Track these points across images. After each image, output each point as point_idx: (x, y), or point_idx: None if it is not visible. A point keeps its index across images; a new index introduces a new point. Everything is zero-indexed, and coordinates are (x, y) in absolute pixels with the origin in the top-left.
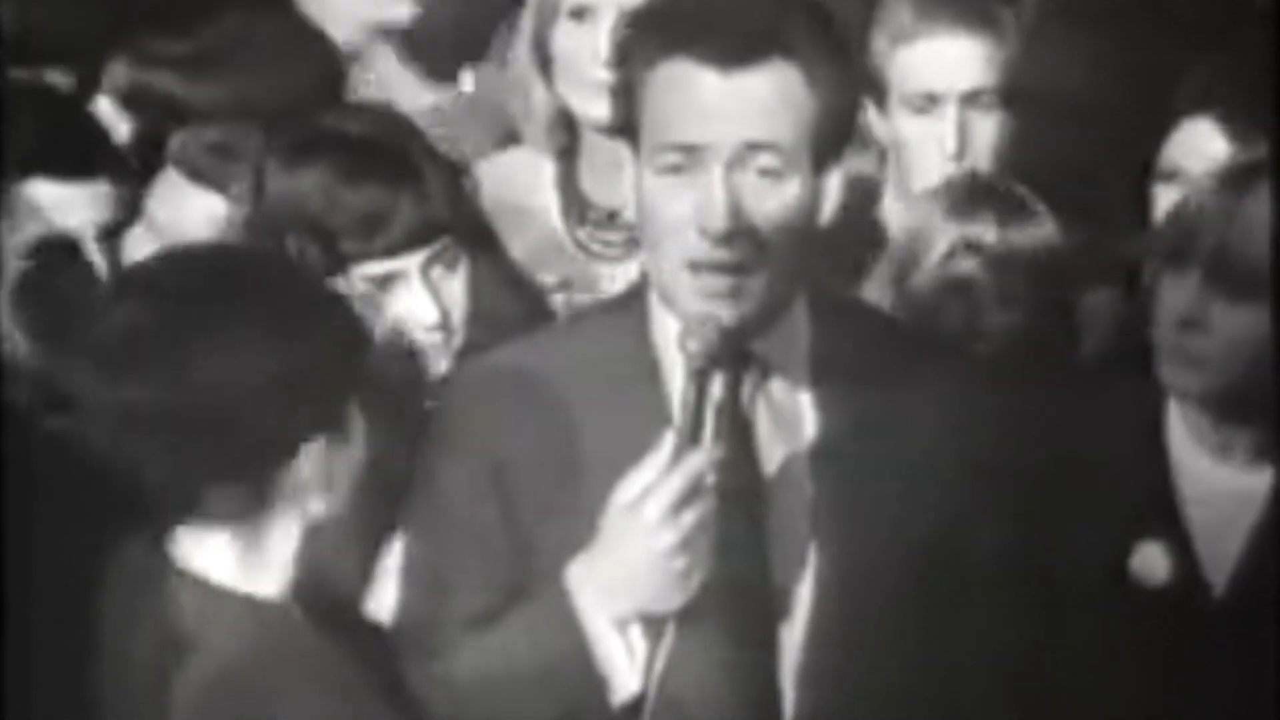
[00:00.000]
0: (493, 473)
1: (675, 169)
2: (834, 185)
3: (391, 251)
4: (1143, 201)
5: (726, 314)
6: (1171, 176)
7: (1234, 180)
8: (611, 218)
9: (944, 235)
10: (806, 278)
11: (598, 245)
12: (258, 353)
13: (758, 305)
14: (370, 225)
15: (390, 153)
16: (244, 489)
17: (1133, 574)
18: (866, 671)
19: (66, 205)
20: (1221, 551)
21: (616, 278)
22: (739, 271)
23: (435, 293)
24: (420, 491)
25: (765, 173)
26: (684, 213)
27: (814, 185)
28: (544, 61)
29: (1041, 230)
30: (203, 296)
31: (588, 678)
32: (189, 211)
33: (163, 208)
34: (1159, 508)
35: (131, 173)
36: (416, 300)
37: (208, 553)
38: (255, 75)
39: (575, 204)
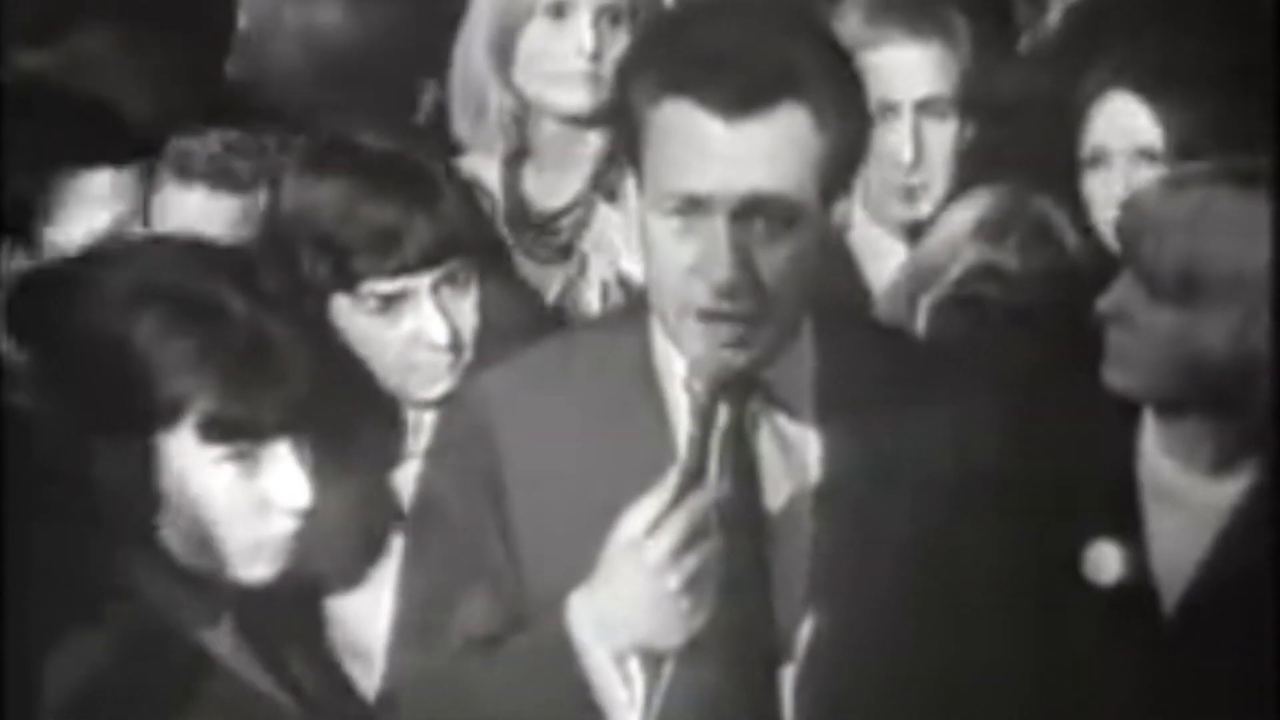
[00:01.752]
0: (493, 499)
1: (680, 213)
2: (842, 213)
3: (403, 270)
4: (1075, 195)
5: (734, 359)
6: (1097, 161)
7: (1179, 185)
8: (554, 219)
9: (965, 255)
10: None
11: (543, 250)
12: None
13: (766, 348)
14: (384, 243)
15: (408, 168)
16: None
17: (1086, 572)
18: (867, 710)
19: (119, 192)
20: (1182, 559)
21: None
22: (746, 321)
23: (445, 312)
24: (417, 509)
25: (773, 220)
26: (688, 261)
27: (823, 221)
28: (503, 62)
29: (1065, 254)
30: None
31: (585, 711)
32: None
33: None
34: (1121, 511)
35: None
36: (427, 320)
37: None
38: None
39: (519, 209)
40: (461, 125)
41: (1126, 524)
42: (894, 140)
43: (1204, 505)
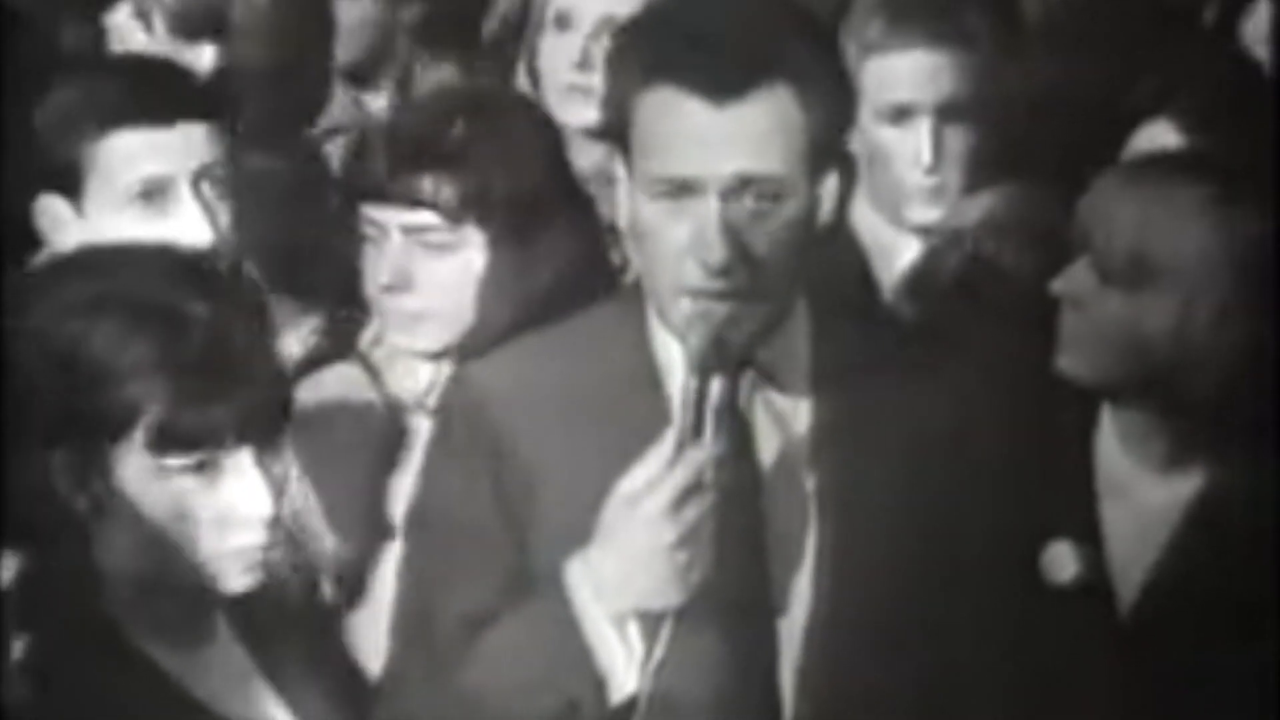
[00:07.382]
0: (492, 475)
1: (670, 195)
2: (830, 187)
3: None
4: None
5: (729, 334)
6: None
7: (1136, 172)
8: None
9: (966, 248)
10: (804, 282)
11: None
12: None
13: (759, 325)
14: None
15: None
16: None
17: (1042, 572)
18: (865, 666)
19: (159, 151)
20: (1136, 560)
21: None
22: (738, 297)
23: None
24: (419, 492)
25: (762, 198)
26: (680, 242)
27: (811, 195)
28: (532, 71)
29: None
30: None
31: (585, 676)
32: None
33: None
34: (1077, 509)
35: (224, 111)
36: None
37: None
38: None
39: None
40: None
41: (1084, 522)
42: (913, 143)
43: (1158, 504)
